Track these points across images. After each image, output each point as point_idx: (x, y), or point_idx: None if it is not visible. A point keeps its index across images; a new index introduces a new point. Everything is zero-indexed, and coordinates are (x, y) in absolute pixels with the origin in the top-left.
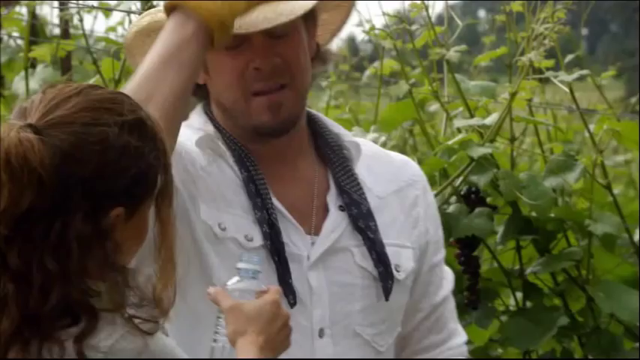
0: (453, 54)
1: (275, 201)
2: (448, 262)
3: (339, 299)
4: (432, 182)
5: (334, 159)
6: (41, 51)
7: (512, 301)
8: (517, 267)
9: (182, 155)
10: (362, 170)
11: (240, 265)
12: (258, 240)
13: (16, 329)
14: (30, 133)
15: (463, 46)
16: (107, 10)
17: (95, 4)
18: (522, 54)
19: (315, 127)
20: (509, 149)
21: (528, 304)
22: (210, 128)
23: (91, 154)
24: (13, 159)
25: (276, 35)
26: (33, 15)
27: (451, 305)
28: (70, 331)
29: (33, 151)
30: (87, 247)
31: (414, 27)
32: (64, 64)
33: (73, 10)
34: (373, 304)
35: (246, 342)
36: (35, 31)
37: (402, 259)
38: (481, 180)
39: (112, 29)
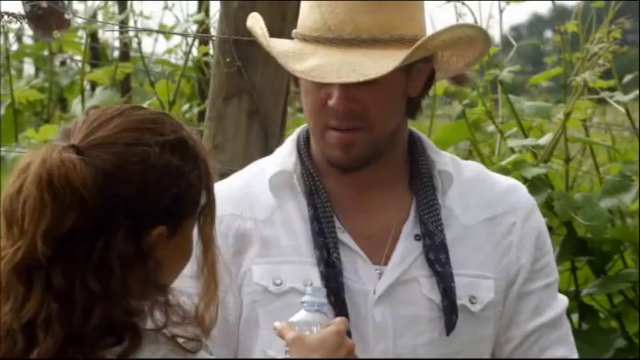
0: (506, 74)
1: (344, 235)
2: None
3: (405, 333)
4: None
5: (420, 187)
6: (98, 74)
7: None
8: (573, 288)
9: (241, 218)
10: (454, 197)
11: (305, 298)
12: (317, 282)
13: (60, 348)
14: (72, 154)
15: (517, 66)
16: (165, 34)
17: (154, 27)
18: (577, 74)
19: (414, 152)
20: (564, 170)
21: (584, 325)
22: (291, 161)
23: (132, 174)
24: (56, 180)
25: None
26: (93, 38)
27: (557, 333)
28: (114, 350)
29: (75, 171)
30: (129, 266)
31: None
32: (123, 86)
33: (131, 33)
34: (441, 336)
35: None
36: (97, 54)
37: (480, 290)
38: (535, 200)
39: (170, 51)
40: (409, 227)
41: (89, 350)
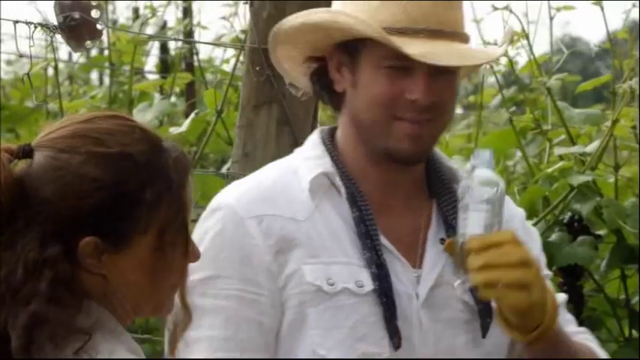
0: (553, 82)
1: (382, 238)
2: None
3: (444, 336)
4: (534, 210)
5: (443, 193)
6: (146, 84)
7: (618, 331)
8: (623, 296)
9: (277, 222)
10: None
11: (474, 161)
12: (368, 284)
13: None
14: (5, 154)
15: (565, 74)
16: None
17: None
18: (625, 81)
19: (429, 160)
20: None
21: (635, 333)
22: (328, 163)
23: (50, 179)
24: None
25: (440, 71)
26: (164, 49)
27: (567, 315)
28: None
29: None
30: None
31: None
32: (187, 95)
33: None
34: (476, 338)
35: None
36: (166, 65)
37: None
38: (584, 208)
39: (227, 61)
40: (434, 231)
41: None
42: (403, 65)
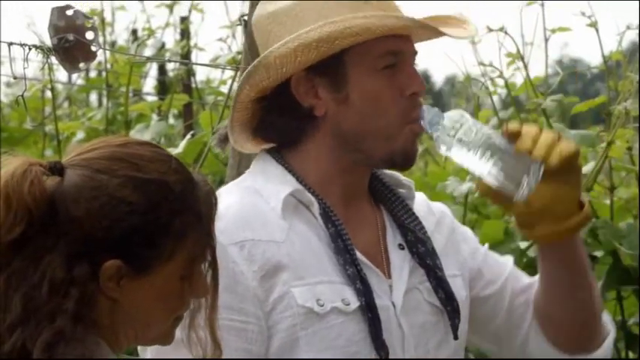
0: (549, 103)
1: (357, 252)
2: None
3: (420, 341)
4: None
5: (392, 198)
6: (141, 105)
7: (615, 353)
8: (619, 318)
9: (257, 247)
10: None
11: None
12: (354, 301)
13: None
14: (39, 168)
15: (560, 95)
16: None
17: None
18: (620, 102)
19: None
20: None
21: (631, 355)
22: (292, 180)
23: (84, 198)
24: (10, 190)
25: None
26: (162, 71)
27: (522, 275)
28: None
29: (32, 184)
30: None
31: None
32: (185, 116)
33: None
34: (443, 338)
35: None
36: (165, 86)
37: (456, 288)
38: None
39: (224, 82)
40: (391, 237)
41: None
42: (395, 62)
